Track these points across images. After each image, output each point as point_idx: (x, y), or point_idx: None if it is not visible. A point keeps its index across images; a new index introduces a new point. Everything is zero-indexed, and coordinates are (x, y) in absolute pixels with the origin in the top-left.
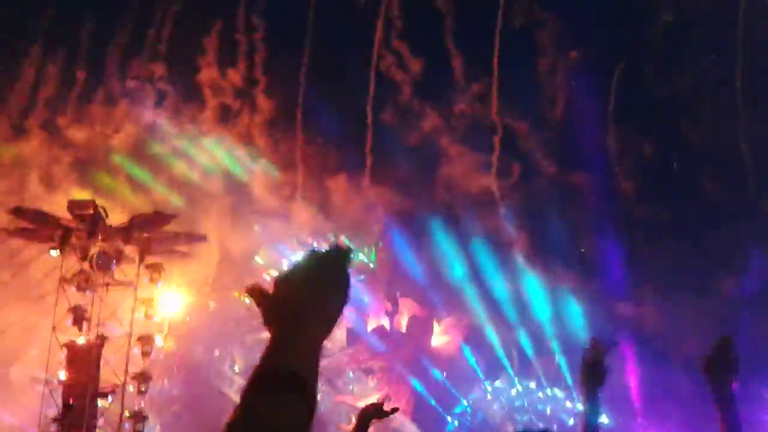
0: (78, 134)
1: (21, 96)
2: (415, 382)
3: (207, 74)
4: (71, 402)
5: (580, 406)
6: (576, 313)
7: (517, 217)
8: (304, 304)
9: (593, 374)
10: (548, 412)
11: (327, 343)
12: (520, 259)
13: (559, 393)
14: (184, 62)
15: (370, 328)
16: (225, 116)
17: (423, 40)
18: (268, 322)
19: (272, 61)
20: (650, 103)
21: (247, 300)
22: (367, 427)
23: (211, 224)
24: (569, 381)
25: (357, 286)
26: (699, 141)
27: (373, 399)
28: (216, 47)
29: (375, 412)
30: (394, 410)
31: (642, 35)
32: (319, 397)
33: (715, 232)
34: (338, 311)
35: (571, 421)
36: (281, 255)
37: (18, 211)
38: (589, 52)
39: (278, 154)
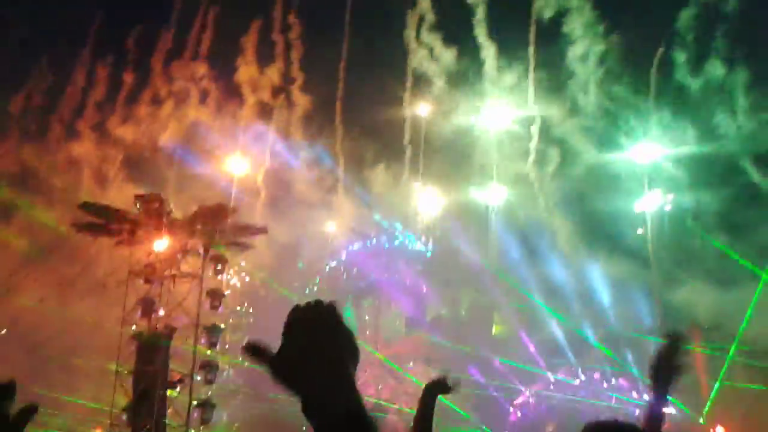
0: (127, 134)
1: (72, 99)
2: (476, 372)
3: (247, 72)
4: (141, 391)
5: (646, 397)
6: (636, 303)
7: (561, 205)
8: (328, 360)
9: (668, 370)
10: (613, 402)
11: (386, 334)
12: (571, 248)
13: (623, 383)
14: (225, 62)
15: (429, 318)
16: (266, 112)
17: (456, 32)
18: (295, 385)
19: (309, 58)
20: (688, 88)
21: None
22: (434, 402)
23: (262, 216)
24: (633, 371)
25: (415, 276)
26: (741, 128)
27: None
28: (255, 46)
29: (440, 386)
30: (458, 385)
31: (676, 21)
32: (380, 385)
33: (762, 219)
34: (353, 351)
35: (637, 412)
36: (331, 244)
37: (86, 206)
38: (626, 38)
39: (319, 147)
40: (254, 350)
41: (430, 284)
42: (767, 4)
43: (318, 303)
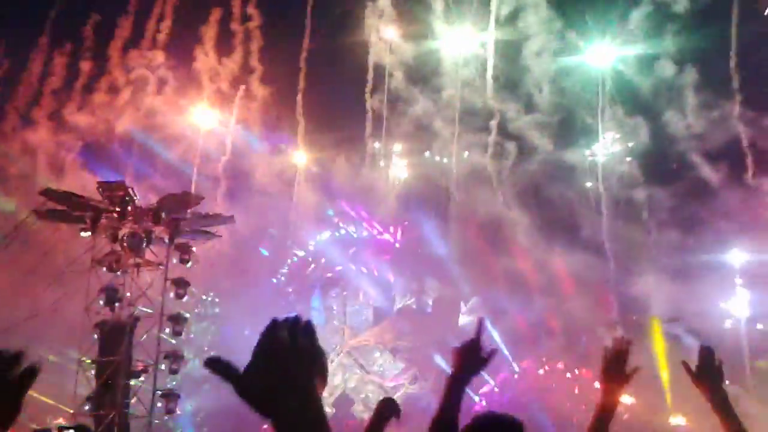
0: (84, 121)
1: (29, 87)
2: (442, 362)
3: (206, 62)
4: (104, 381)
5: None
6: (594, 294)
7: (518, 198)
8: (297, 378)
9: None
10: (576, 391)
11: (354, 324)
12: (531, 239)
13: (586, 374)
14: (183, 51)
15: (396, 308)
16: (226, 102)
17: (415, 27)
18: (264, 408)
19: (269, 49)
20: (647, 86)
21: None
22: (383, 422)
23: (221, 205)
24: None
25: (382, 266)
26: (694, 123)
27: (400, 377)
28: (214, 36)
29: (390, 409)
30: (399, 413)
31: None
32: (347, 374)
33: (712, 211)
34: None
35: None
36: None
37: (48, 193)
38: (585, 35)
39: (278, 137)
40: (219, 366)
41: (397, 274)
42: None
43: (295, 322)
